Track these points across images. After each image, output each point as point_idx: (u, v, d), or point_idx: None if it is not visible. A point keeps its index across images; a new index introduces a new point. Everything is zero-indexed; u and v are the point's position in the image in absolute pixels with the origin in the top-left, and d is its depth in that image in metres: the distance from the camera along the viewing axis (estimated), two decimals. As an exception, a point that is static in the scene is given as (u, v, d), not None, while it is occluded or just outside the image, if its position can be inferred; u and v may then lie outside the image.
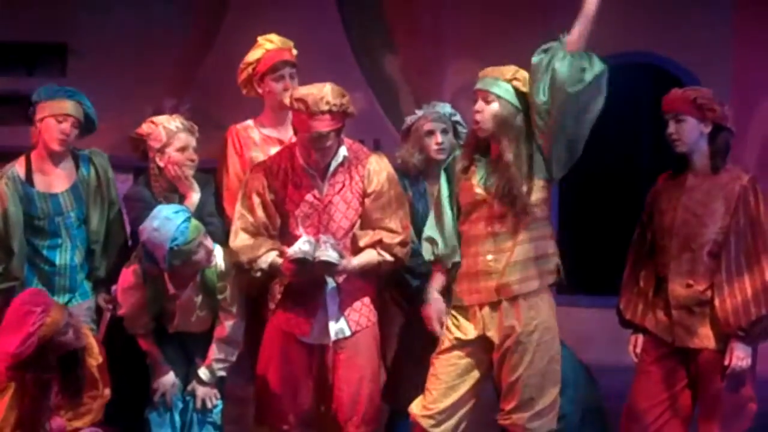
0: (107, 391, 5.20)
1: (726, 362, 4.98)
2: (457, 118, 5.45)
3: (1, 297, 5.33)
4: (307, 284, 4.89)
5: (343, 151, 4.90)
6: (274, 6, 7.72)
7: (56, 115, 5.36)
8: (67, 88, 5.47)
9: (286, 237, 4.91)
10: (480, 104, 4.73)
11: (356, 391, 4.92)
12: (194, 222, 4.98)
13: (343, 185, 4.91)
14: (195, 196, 5.28)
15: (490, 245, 4.74)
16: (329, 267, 4.77)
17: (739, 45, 8.72)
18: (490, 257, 4.73)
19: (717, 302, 4.99)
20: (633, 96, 9.10)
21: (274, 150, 5.29)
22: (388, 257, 4.89)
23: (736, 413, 5.06)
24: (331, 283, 4.90)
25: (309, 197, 4.89)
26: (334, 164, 4.89)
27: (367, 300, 4.98)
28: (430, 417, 4.75)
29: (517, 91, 4.72)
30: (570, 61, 4.62)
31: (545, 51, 4.69)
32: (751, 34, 8.69)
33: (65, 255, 5.47)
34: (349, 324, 4.94)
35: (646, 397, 5.13)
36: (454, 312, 4.80)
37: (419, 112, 5.49)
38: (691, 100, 5.02)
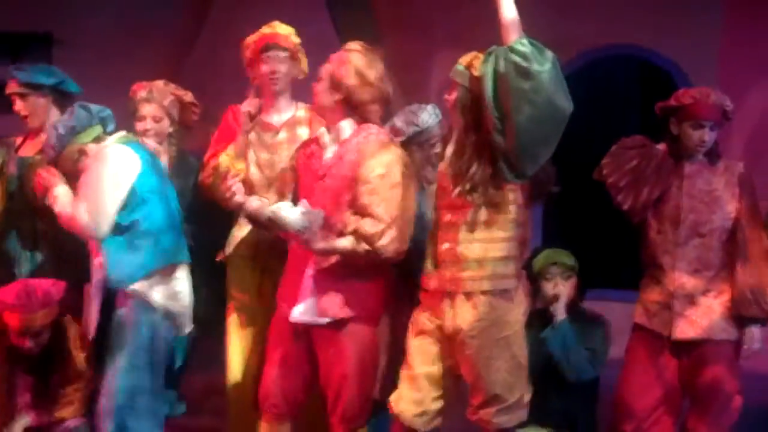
0: (91, 383, 5.21)
1: (745, 345, 5.03)
2: (432, 121, 5.37)
3: None
4: (297, 261, 4.84)
5: (347, 126, 4.83)
6: (263, 2, 7.70)
7: (16, 93, 5.48)
8: (18, 65, 5.56)
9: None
10: (449, 93, 4.73)
11: (338, 388, 4.82)
12: (98, 128, 4.95)
13: (340, 160, 4.79)
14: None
15: (450, 234, 4.69)
16: (277, 225, 4.68)
17: (725, 36, 8.72)
18: (446, 246, 4.69)
19: (736, 285, 5.03)
20: (619, 88, 9.12)
21: (265, 135, 5.36)
22: (363, 246, 4.69)
23: (723, 407, 5.09)
24: (311, 261, 4.80)
25: (314, 164, 4.86)
26: (335, 136, 4.85)
27: (353, 290, 4.79)
28: (409, 409, 4.74)
29: (472, 76, 4.64)
30: (509, 57, 4.46)
31: (486, 58, 4.57)
32: (738, 25, 8.70)
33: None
34: (319, 308, 4.77)
35: (639, 392, 5.15)
36: (422, 292, 4.79)
37: (397, 123, 5.42)
38: (722, 110, 5.08)
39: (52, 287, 5.18)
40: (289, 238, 4.83)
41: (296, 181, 4.96)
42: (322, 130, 4.90)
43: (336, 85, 4.79)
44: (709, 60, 8.45)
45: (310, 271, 4.81)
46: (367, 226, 4.68)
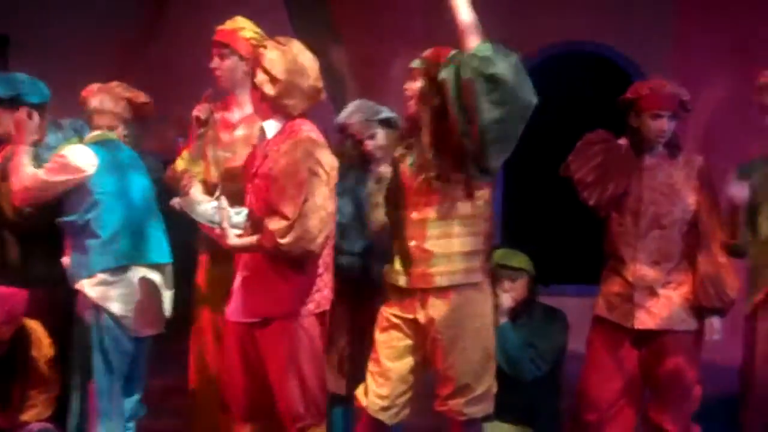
0: (57, 388, 5.18)
1: (706, 336, 5.09)
2: (384, 114, 5.47)
3: None
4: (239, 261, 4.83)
5: (271, 125, 4.77)
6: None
7: None
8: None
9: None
10: (409, 82, 4.74)
11: (277, 387, 4.74)
12: (74, 141, 5.15)
13: (265, 159, 4.72)
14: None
15: (416, 231, 4.72)
16: (192, 218, 4.78)
17: (680, 33, 8.81)
18: (413, 243, 4.72)
19: (697, 277, 5.08)
20: (575, 86, 9.17)
21: (223, 133, 5.43)
22: (266, 243, 4.60)
23: (684, 396, 5.14)
24: (242, 258, 4.78)
25: (249, 164, 4.86)
26: (262, 136, 4.81)
27: (275, 288, 4.71)
28: (376, 403, 4.76)
29: (433, 66, 4.67)
30: (472, 62, 4.49)
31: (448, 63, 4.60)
32: (691, 21, 8.78)
33: None
34: (245, 307, 4.74)
35: (601, 383, 5.19)
36: (390, 288, 4.82)
37: (345, 112, 5.50)
38: (679, 101, 5.13)
39: (16, 299, 5.15)
40: (209, 233, 4.85)
41: (241, 180, 4.96)
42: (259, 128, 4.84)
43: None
44: (663, 54, 8.52)
45: (241, 271, 4.78)
46: (272, 223, 4.59)
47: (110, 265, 5.02)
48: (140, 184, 5.20)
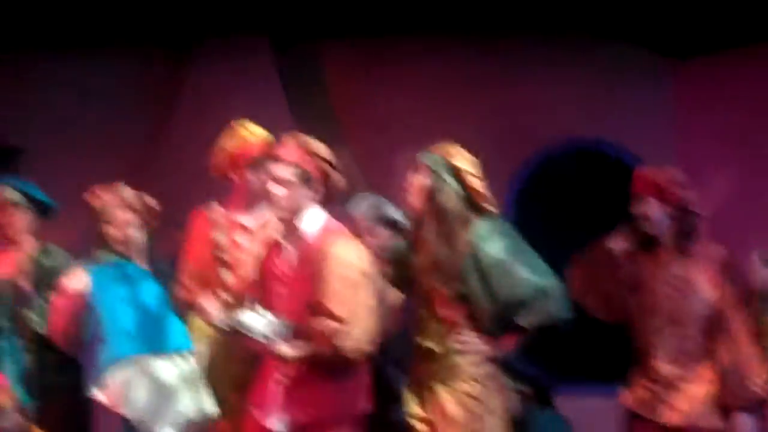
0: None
1: None
2: (390, 214, 5.43)
3: None
4: (267, 366, 4.71)
5: (308, 223, 4.69)
6: (222, 100, 7.78)
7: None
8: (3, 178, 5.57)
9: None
10: (415, 175, 4.75)
11: None
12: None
13: (298, 261, 4.66)
14: None
15: (426, 331, 4.72)
16: (240, 332, 4.54)
17: (682, 127, 8.86)
18: (424, 344, 4.72)
19: (720, 377, 4.99)
20: (581, 181, 9.19)
21: (238, 236, 5.29)
22: (328, 349, 4.51)
23: None
24: (275, 366, 4.66)
25: (270, 265, 4.76)
26: (295, 234, 4.72)
27: (309, 393, 4.61)
28: None
29: (448, 164, 4.70)
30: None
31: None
32: (693, 111, 8.84)
33: None
34: (288, 417, 4.62)
35: None
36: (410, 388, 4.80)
37: (351, 204, 5.51)
38: (652, 182, 5.07)
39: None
40: (256, 348, 4.64)
41: (262, 285, 4.82)
42: (277, 227, 4.81)
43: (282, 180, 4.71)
44: (666, 147, 8.56)
45: (279, 378, 4.64)
46: (325, 327, 4.48)
47: (108, 366, 5.05)
48: (151, 291, 5.23)
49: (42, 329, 5.37)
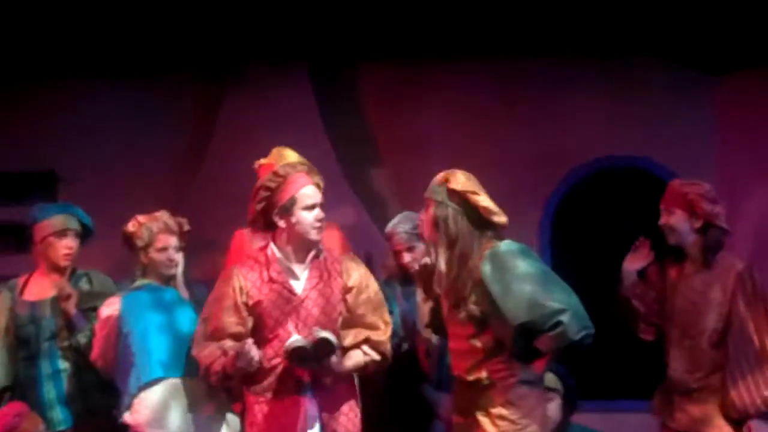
0: None
1: None
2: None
3: None
4: (285, 389, 4.76)
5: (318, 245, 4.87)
6: (260, 124, 7.80)
7: (57, 232, 5.46)
8: (58, 203, 5.59)
9: (260, 337, 4.78)
10: (423, 211, 4.80)
11: None
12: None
13: (320, 279, 4.80)
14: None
15: (456, 362, 4.77)
16: (329, 346, 4.60)
17: (720, 141, 8.81)
18: (456, 374, 4.78)
19: (730, 389, 5.00)
20: (618, 199, 9.15)
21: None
22: (376, 356, 4.81)
23: None
24: (308, 388, 4.74)
25: (286, 293, 4.78)
26: (309, 257, 4.83)
27: (347, 408, 4.80)
28: None
29: (449, 190, 4.69)
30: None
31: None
32: (731, 129, 8.79)
33: (37, 366, 5.47)
34: (329, 429, 4.75)
35: None
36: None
37: (392, 222, 5.55)
38: (682, 194, 5.08)
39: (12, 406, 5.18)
40: (308, 369, 4.74)
41: (261, 317, 4.83)
42: (277, 256, 4.86)
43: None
44: (705, 163, 8.51)
45: (312, 400, 4.74)
46: (375, 335, 4.79)
47: (146, 384, 5.08)
48: (186, 316, 5.24)
49: (85, 352, 5.39)
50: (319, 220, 4.80)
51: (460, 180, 4.69)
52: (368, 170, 9.12)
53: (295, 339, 4.61)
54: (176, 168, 8.94)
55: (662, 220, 5.16)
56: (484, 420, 4.64)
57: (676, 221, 5.12)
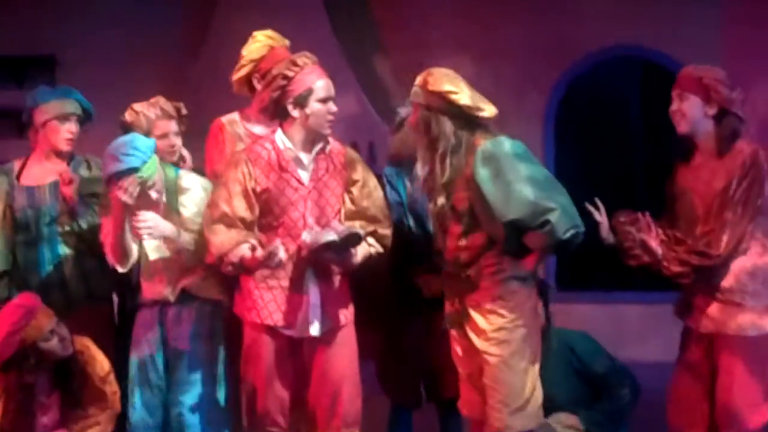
0: (117, 403, 5.19)
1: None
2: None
3: None
4: (288, 277, 4.83)
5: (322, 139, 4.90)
6: (262, 10, 7.71)
7: (59, 116, 5.41)
8: (60, 87, 5.52)
9: (263, 224, 4.84)
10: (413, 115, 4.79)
11: (336, 392, 4.88)
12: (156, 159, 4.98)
13: (326, 171, 4.88)
14: None
15: (448, 256, 4.79)
16: (356, 240, 4.75)
17: (728, 33, 8.72)
18: (446, 268, 4.81)
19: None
20: (623, 90, 9.10)
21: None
22: (380, 248, 4.91)
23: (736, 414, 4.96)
24: (311, 276, 4.83)
25: (294, 183, 4.82)
26: (316, 148, 4.86)
27: (344, 296, 4.93)
28: None
29: (427, 91, 4.67)
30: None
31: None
32: (740, 21, 8.69)
33: (38, 251, 5.46)
34: (329, 319, 4.87)
35: (688, 389, 5.06)
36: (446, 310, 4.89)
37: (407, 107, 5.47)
38: (697, 79, 4.90)
39: (18, 313, 5.13)
40: (327, 260, 4.82)
41: (267, 204, 4.86)
42: (287, 145, 4.88)
43: None
44: (713, 56, 8.41)
45: (314, 288, 4.85)
46: (381, 228, 4.91)
47: None
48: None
49: (87, 237, 5.38)
50: (332, 114, 4.84)
51: (439, 79, 4.66)
52: (371, 60, 9.05)
53: (328, 232, 4.68)
54: (175, 53, 8.90)
55: (674, 107, 4.93)
56: (475, 315, 4.70)
57: (689, 107, 4.88)
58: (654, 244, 4.87)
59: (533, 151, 4.78)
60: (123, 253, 5.02)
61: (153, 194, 4.96)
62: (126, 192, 4.85)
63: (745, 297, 4.86)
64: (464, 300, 4.72)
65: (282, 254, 4.66)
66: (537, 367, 4.75)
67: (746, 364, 4.86)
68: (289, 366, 4.91)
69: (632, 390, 5.38)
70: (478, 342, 4.70)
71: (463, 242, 4.68)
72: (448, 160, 4.64)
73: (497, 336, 4.66)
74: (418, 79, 4.72)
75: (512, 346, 4.67)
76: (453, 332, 4.87)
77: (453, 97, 4.62)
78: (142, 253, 5.10)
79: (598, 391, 5.39)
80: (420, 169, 4.74)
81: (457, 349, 4.84)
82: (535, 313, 4.86)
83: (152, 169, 4.93)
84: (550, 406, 4.96)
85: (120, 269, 5.09)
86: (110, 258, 5.07)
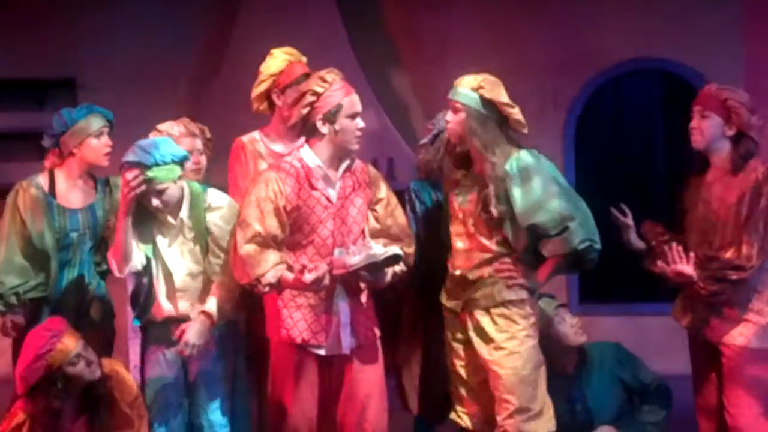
0: (144, 429, 5.16)
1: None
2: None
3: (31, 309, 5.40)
4: (317, 296, 4.83)
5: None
6: (280, 28, 7.71)
7: (95, 133, 5.42)
8: (81, 106, 5.54)
9: (292, 242, 4.83)
10: (449, 114, 4.88)
11: (363, 408, 4.91)
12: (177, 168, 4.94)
13: (353, 189, 4.89)
14: None
15: (462, 261, 4.93)
16: (395, 261, 4.77)
17: (748, 45, 8.69)
18: (458, 272, 4.93)
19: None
20: (644, 102, 9.08)
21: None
22: (403, 266, 4.91)
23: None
24: (340, 294, 4.85)
25: (323, 201, 4.82)
26: (343, 165, 4.86)
27: (371, 313, 4.96)
28: None
29: (483, 98, 4.79)
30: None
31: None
32: (760, 36, 8.67)
33: (72, 273, 5.47)
34: (358, 336, 4.89)
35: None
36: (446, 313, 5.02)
37: (441, 119, 5.45)
38: (721, 100, 4.94)
39: (45, 338, 5.11)
40: (361, 278, 4.84)
41: (297, 223, 4.85)
42: (317, 163, 4.87)
43: None
44: (734, 69, 8.39)
45: (344, 307, 4.88)
46: (406, 248, 4.91)
47: None
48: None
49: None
50: (360, 130, 4.84)
51: (495, 89, 4.81)
52: (389, 76, 9.05)
53: (369, 252, 4.69)
54: (195, 73, 8.93)
55: (694, 123, 4.99)
56: (483, 318, 4.82)
57: (709, 126, 4.94)
58: (688, 271, 4.90)
59: (553, 165, 4.90)
60: (124, 255, 4.94)
61: (154, 201, 4.92)
62: (128, 184, 4.83)
63: (749, 312, 4.94)
64: (470, 304, 4.83)
65: (327, 279, 4.67)
66: (544, 375, 4.89)
67: (751, 375, 4.91)
68: (318, 384, 4.91)
69: (670, 399, 5.43)
70: (486, 353, 4.77)
71: (481, 243, 4.81)
72: (490, 165, 4.76)
73: (508, 347, 4.78)
74: (468, 81, 4.83)
75: (523, 357, 4.79)
76: (454, 345, 4.98)
77: (508, 110, 4.79)
78: (164, 272, 5.08)
79: (640, 401, 5.43)
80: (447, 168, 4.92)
81: (457, 363, 4.95)
82: (537, 325, 4.97)
83: (165, 175, 4.88)
84: (590, 421, 5.02)
85: (117, 274, 5.03)
86: (110, 261, 5.02)
